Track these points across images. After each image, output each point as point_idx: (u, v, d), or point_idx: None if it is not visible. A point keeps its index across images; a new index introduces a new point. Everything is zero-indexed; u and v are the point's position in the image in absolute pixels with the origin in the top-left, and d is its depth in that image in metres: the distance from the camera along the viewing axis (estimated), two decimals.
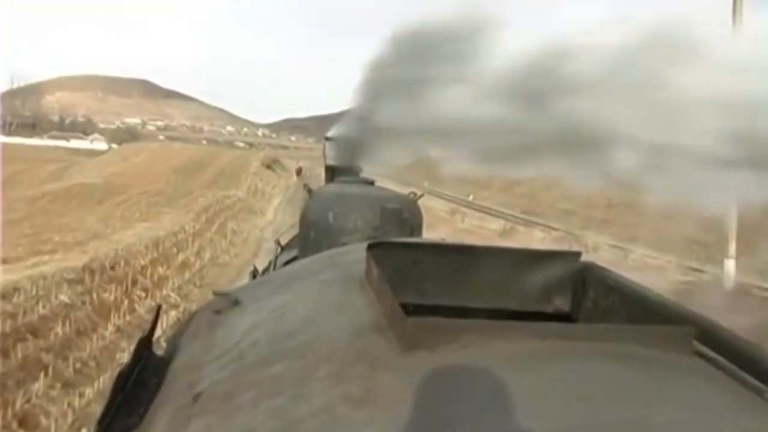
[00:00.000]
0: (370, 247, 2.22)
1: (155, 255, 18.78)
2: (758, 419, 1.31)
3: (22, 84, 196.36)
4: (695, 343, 1.61)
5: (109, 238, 20.00)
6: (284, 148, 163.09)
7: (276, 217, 32.90)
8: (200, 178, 45.36)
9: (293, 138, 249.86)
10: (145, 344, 2.28)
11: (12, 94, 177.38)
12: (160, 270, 17.79)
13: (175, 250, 20.45)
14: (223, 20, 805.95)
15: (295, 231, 5.68)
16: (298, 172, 55.74)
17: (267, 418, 1.44)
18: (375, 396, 1.37)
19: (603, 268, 2.33)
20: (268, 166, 60.02)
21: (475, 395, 1.32)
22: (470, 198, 49.21)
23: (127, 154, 63.20)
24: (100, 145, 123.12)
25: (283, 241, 6.85)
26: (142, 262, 17.64)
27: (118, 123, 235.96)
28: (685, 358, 1.56)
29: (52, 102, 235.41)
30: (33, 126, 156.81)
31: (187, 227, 23.73)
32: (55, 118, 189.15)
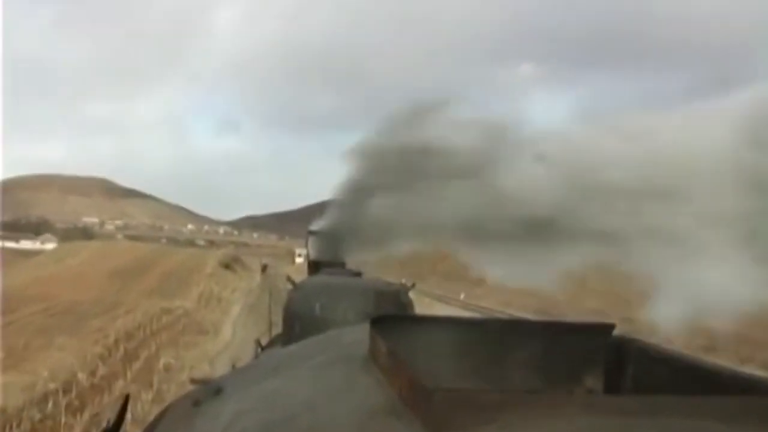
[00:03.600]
0: (374, 322, 1.98)
1: None
2: None
3: None
4: None
5: None
6: (246, 245, 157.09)
7: (235, 335, 23.89)
8: (142, 283, 36.74)
9: (255, 235, 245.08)
10: None
11: None
12: None
13: None
14: (184, 120, 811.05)
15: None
16: (263, 269, 50.37)
17: None
18: None
19: (643, 341, 2.12)
20: (227, 266, 51.08)
21: None
22: (462, 297, 44.12)
23: (64, 255, 54.32)
24: (52, 245, 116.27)
25: (264, 341, 6.38)
26: None
27: (76, 223, 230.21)
28: None
29: (7, 202, 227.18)
30: None
31: (82, 374, 14.34)
32: (7, 218, 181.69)
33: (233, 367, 5.57)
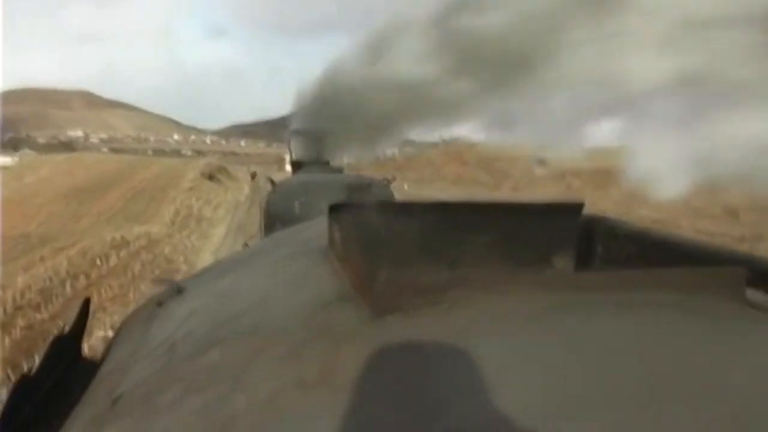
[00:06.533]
0: (331, 210, 1.99)
1: None
2: None
3: None
4: (748, 288, 1.39)
5: None
6: (234, 154, 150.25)
7: None
8: (105, 202, 30.11)
9: (243, 143, 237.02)
10: (64, 345, 2.06)
11: None
12: None
13: None
14: (171, 27, 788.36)
15: None
16: (253, 176, 44.63)
17: (193, 417, 1.20)
18: (335, 377, 1.11)
19: (613, 219, 2.14)
20: (211, 177, 43.93)
21: (464, 368, 1.06)
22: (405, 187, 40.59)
23: (25, 170, 47.26)
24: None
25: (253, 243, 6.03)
26: None
27: (58, 136, 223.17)
28: (738, 306, 1.35)
29: None
30: None
31: None
32: None
33: None
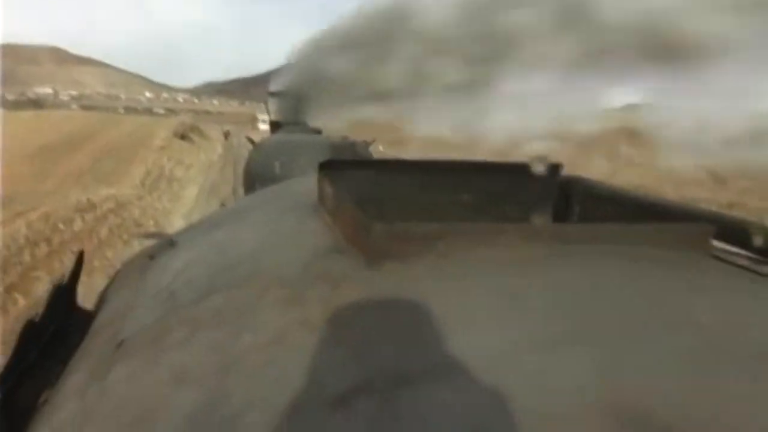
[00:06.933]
0: (321, 167, 2.06)
1: None
2: None
3: None
4: (714, 242, 1.52)
5: None
6: (207, 113, 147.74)
7: None
8: (73, 162, 28.96)
9: (216, 102, 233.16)
10: (63, 295, 2.16)
11: None
12: None
13: None
14: None
15: None
16: (226, 135, 44.23)
17: (203, 353, 1.26)
18: (336, 318, 1.20)
19: (590, 180, 2.21)
20: (183, 136, 42.26)
21: (455, 310, 1.16)
22: (381, 149, 40.04)
23: None
24: None
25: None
26: None
27: (27, 93, 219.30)
28: (704, 258, 1.47)
29: None
30: None
31: None
32: None
33: None
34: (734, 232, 1.55)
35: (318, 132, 7.24)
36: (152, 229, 17.33)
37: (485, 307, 1.15)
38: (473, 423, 0.93)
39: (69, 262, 12.93)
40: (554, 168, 2.29)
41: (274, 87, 9.06)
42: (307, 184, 2.24)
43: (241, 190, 6.73)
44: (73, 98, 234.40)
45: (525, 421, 0.91)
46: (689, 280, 1.32)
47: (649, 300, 1.19)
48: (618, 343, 1.06)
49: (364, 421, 0.97)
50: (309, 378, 1.06)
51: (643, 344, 1.06)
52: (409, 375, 1.01)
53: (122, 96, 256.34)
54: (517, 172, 2.27)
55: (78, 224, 15.98)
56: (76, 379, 1.53)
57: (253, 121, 43.84)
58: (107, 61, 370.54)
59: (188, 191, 25.07)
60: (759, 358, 1.05)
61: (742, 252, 1.50)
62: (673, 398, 0.94)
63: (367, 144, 6.67)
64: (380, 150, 37.81)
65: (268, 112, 8.34)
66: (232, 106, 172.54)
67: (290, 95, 8.23)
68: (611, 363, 1.01)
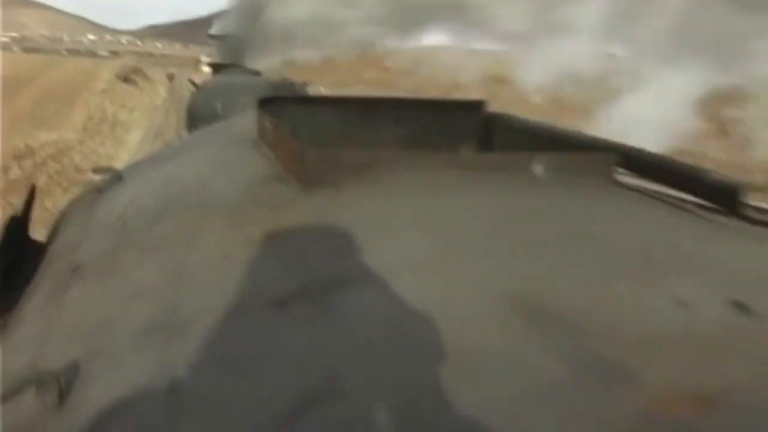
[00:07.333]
0: (261, 104, 2.19)
1: None
2: (689, 236, 1.34)
3: None
4: (618, 169, 1.68)
5: None
6: (151, 55, 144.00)
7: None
8: (12, 106, 28.20)
9: (159, 45, 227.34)
10: (16, 227, 2.27)
11: None
12: None
13: None
14: None
15: None
16: (170, 78, 43.02)
17: (154, 271, 1.37)
18: (275, 237, 1.31)
19: (510, 115, 2.34)
20: (126, 79, 41.50)
21: (382, 227, 1.29)
22: (322, 90, 39.76)
23: None
24: None
25: None
26: None
27: None
28: (607, 184, 1.63)
29: None
30: None
31: None
32: None
33: None
34: (635, 160, 1.69)
35: (257, 74, 7.36)
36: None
37: (409, 225, 1.28)
38: (394, 318, 1.06)
39: (3, 214, 12.82)
40: (478, 104, 2.46)
41: (215, 30, 9.38)
42: (248, 120, 2.32)
43: (185, 134, 6.80)
44: (14, 40, 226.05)
45: (439, 316, 1.03)
46: (590, 202, 1.47)
47: (553, 217, 1.35)
48: (523, 252, 1.21)
49: (302, 321, 1.09)
50: (252, 287, 1.18)
51: (545, 253, 1.20)
52: (340, 281, 1.14)
53: (65, 38, 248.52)
54: (445, 107, 2.48)
55: (15, 172, 15.74)
56: (34, 301, 1.64)
57: (197, 63, 42.84)
58: (51, 3, 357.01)
59: (132, 135, 24.76)
60: (645, 265, 1.19)
61: (641, 178, 1.64)
62: (567, 294, 1.08)
63: (305, 85, 6.77)
64: (321, 91, 37.49)
65: (209, 54, 8.83)
66: (176, 48, 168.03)
67: (231, 38, 8.44)
68: (515, 269, 1.17)
